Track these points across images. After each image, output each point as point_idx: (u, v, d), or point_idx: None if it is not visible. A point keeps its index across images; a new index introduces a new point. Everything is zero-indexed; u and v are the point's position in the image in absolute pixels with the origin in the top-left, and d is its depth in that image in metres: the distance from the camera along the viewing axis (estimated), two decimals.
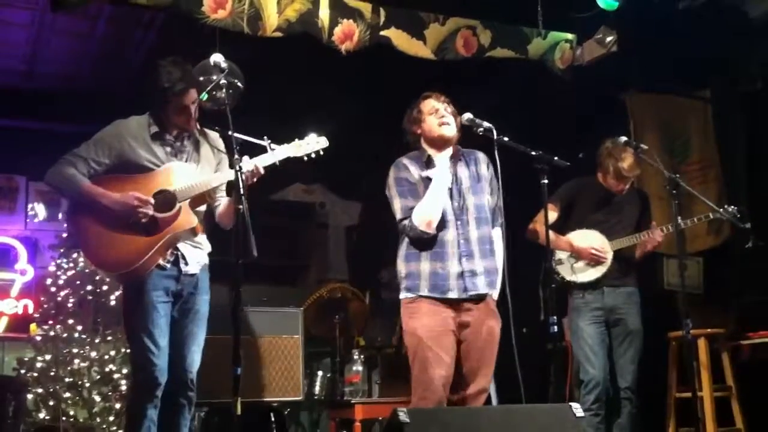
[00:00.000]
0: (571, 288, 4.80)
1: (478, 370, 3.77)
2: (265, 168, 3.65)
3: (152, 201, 3.60)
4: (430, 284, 3.76)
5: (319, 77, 6.45)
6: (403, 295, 3.87)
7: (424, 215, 3.74)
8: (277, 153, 3.70)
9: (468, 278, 3.75)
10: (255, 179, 3.63)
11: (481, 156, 3.98)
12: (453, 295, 3.74)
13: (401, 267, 3.88)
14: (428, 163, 3.88)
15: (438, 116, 3.86)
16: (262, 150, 3.69)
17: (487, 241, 3.84)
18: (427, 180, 3.82)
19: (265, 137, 3.67)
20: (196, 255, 3.78)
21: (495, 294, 3.86)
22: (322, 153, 3.81)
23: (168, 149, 3.75)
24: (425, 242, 3.79)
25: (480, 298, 3.79)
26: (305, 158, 3.79)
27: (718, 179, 6.04)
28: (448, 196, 3.82)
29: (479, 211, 3.85)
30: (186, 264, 3.72)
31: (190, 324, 3.75)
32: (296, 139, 3.78)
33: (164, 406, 3.64)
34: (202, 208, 3.80)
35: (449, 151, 3.92)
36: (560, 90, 6.07)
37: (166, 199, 3.63)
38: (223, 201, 3.84)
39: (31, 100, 7.24)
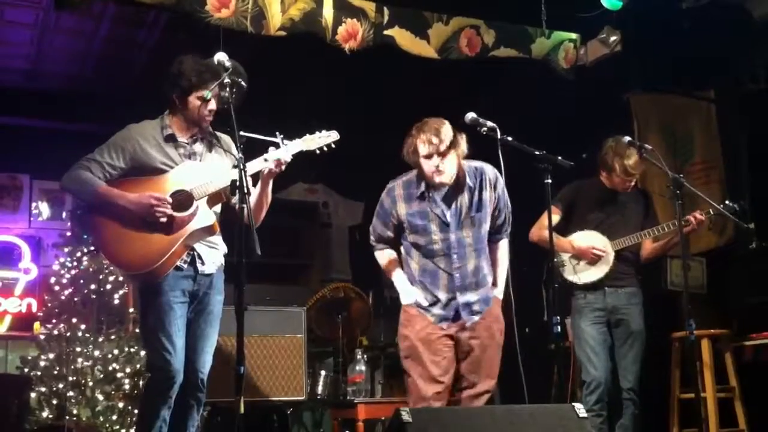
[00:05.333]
0: (573, 289, 4.79)
1: (479, 372, 3.78)
2: (281, 162, 3.66)
3: (170, 200, 3.61)
4: (421, 307, 3.83)
5: (322, 76, 6.46)
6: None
7: (382, 266, 4.04)
8: (290, 147, 3.70)
9: (464, 311, 3.78)
10: (282, 168, 3.67)
11: (489, 175, 3.87)
12: (445, 323, 3.79)
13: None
14: (422, 198, 3.84)
15: (432, 165, 3.72)
16: (274, 146, 3.69)
17: (482, 270, 3.85)
18: (409, 223, 3.85)
19: (277, 133, 3.68)
20: (213, 255, 3.80)
21: (500, 295, 3.88)
22: (333, 146, 3.82)
23: (181, 151, 3.76)
24: (417, 270, 3.88)
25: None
26: (317, 151, 3.79)
27: (721, 180, 6.03)
28: (445, 230, 3.80)
29: (478, 242, 3.83)
30: (203, 264, 3.74)
31: (204, 324, 3.76)
32: (307, 134, 3.79)
33: (173, 406, 3.65)
34: (218, 207, 3.80)
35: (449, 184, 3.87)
36: (564, 90, 6.07)
37: (183, 199, 3.64)
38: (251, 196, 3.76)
39: (35, 100, 7.26)
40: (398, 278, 3.95)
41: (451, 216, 3.80)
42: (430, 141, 3.68)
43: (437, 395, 3.70)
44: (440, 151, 3.68)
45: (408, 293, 3.88)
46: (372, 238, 4.08)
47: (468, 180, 3.84)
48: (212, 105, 3.72)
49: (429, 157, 3.71)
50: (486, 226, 3.87)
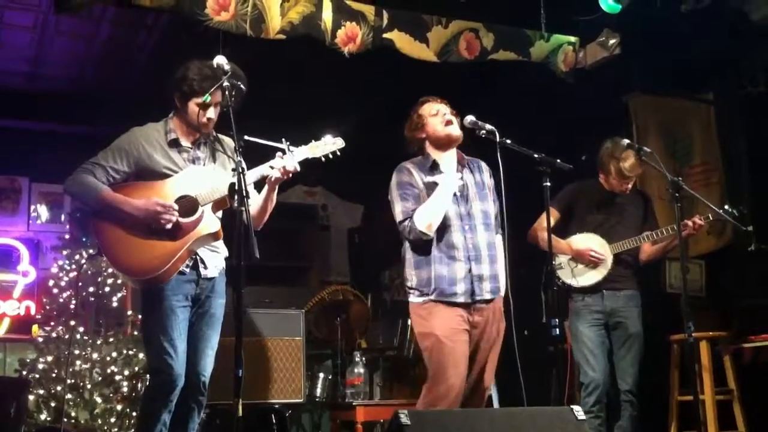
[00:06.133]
0: (572, 291, 4.80)
1: (484, 369, 3.82)
2: (288, 171, 3.64)
3: (176, 206, 3.60)
4: (438, 289, 3.77)
5: (321, 80, 6.46)
6: (413, 299, 3.89)
7: (426, 217, 3.75)
8: (296, 155, 3.69)
9: (476, 283, 3.78)
10: (289, 176, 3.64)
11: (484, 165, 4.02)
12: (460, 299, 3.77)
13: (410, 274, 3.90)
14: (433, 167, 3.89)
15: (441, 116, 3.88)
16: (280, 152, 3.68)
17: (493, 247, 3.88)
18: (433, 185, 3.83)
19: (284, 139, 3.67)
20: (215, 259, 3.79)
21: (502, 292, 3.90)
22: (339, 153, 3.81)
23: (185, 155, 3.75)
24: (432, 247, 3.80)
25: (487, 301, 3.81)
26: (323, 158, 3.79)
27: (720, 182, 6.03)
28: (455, 201, 3.84)
29: (486, 217, 3.89)
30: (205, 268, 3.73)
31: (205, 327, 3.75)
32: (312, 140, 3.79)
33: (173, 409, 3.64)
34: (221, 213, 3.80)
35: (453, 154, 3.93)
36: (563, 92, 6.07)
37: (188, 204, 3.63)
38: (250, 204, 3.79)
39: (35, 102, 7.25)
40: (436, 192, 3.79)
41: (460, 188, 3.87)
42: (436, 100, 3.93)
43: (458, 395, 3.71)
44: (446, 105, 3.92)
45: (445, 176, 3.80)
46: (401, 219, 3.85)
47: (469, 161, 3.98)
48: (211, 113, 3.71)
49: (436, 113, 3.89)
50: (490, 206, 3.92)
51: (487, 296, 3.80)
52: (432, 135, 3.90)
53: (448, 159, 3.92)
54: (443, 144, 3.90)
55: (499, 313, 3.87)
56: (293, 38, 5.03)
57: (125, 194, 3.63)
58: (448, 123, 3.86)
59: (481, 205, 3.89)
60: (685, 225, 4.49)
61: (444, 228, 3.80)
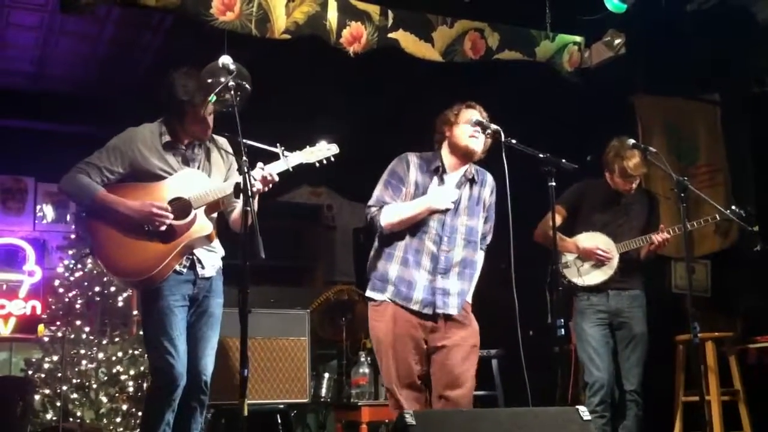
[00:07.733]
0: (576, 290, 4.79)
1: (457, 379, 3.71)
2: (279, 174, 3.66)
3: (169, 209, 3.60)
4: (395, 290, 3.74)
5: (326, 79, 6.46)
6: (369, 293, 3.85)
7: (393, 216, 3.74)
8: (290, 160, 3.70)
9: (439, 296, 3.72)
10: (270, 186, 3.63)
11: (490, 180, 3.95)
12: (415, 307, 3.71)
13: (372, 264, 3.87)
14: (435, 172, 3.84)
15: (472, 130, 3.79)
16: (274, 155, 3.69)
17: (469, 264, 3.82)
18: (421, 189, 3.80)
19: (278, 144, 3.68)
20: (212, 259, 3.80)
21: (468, 299, 3.85)
22: (333, 159, 3.82)
23: (180, 158, 3.75)
24: (399, 246, 3.77)
25: (452, 316, 3.76)
26: (317, 164, 3.79)
27: (725, 182, 6.03)
28: (442, 211, 3.76)
29: (470, 234, 3.83)
30: (202, 268, 3.74)
31: (204, 327, 3.76)
32: (308, 146, 3.79)
33: (176, 409, 3.64)
34: (215, 214, 3.81)
35: (464, 169, 3.88)
36: (568, 92, 6.07)
37: (181, 207, 3.63)
38: (237, 207, 3.78)
39: (40, 102, 7.27)
40: (418, 201, 3.77)
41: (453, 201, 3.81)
42: (480, 111, 3.84)
43: (415, 387, 3.69)
44: (484, 122, 3.79)
45: (438, 193, 3.73)
46: (371, 203, 3.88)
47: (475, 174, 3.90)
48: (210, 119, 3.73)
49: (471, 122, 3.79)
50: (478, 223, 3.86)
51: (452, 311, 3.74)
52: (453, 138, 3.84)
53: (455, 173, 3.86)
54: (460, 154, 3.84)
55: (470, 319, 3.81)
56: (298, 38, 5.03)
57: (120, 195, 3.63)
58: (473, 137, 3.79)
59: (468, 221, 3.82)
60: (649, 238, 4.64)
61: (420, 232, 3.76)
